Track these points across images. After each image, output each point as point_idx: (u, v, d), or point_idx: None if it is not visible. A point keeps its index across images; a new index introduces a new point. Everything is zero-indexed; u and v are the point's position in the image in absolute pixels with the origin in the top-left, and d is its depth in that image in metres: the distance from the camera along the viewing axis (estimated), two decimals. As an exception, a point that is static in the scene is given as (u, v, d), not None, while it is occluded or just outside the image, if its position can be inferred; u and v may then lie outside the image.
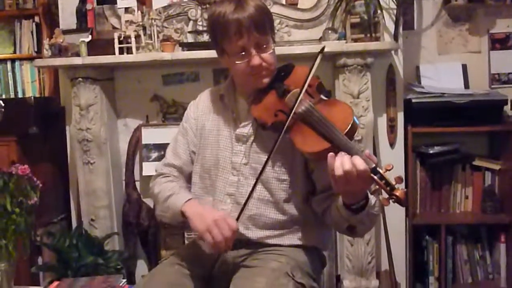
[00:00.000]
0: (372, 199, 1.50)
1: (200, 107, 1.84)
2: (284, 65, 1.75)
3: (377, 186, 1.38)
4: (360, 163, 1.36)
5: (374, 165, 1.38)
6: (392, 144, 3.03)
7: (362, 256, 2.87)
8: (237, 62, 1.63)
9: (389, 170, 1.38)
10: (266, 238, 1.69)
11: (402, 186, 1.38)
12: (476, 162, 3.14)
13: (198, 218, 1.59)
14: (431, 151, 3.07)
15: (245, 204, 1.60)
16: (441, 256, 3.06)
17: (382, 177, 1.37)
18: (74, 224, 3.23)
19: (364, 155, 1.39)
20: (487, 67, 3.28)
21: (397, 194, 1.35)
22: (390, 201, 1.37)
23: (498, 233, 3.08)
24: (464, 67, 3.23)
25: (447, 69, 3.22)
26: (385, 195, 1.38)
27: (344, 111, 1.55)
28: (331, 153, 1.40)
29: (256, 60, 1.62)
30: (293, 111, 1.56)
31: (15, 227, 2.43)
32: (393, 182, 1.36)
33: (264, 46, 1.63)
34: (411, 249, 3.07)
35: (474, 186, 3.15)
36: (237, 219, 1.60)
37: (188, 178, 1.84)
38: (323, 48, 1.65)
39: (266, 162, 1.59)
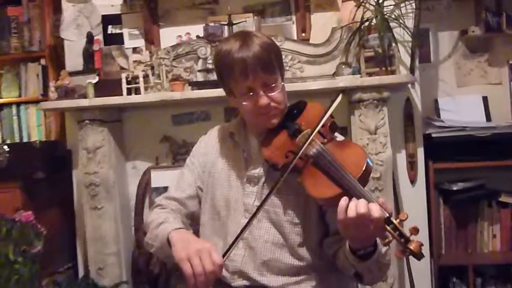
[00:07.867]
0: (383, 248, 1.44)
1: (210, 144, 1.80)
2: (296, 103, 1.70)
3: (391, 238, 1.32)
4: (375, 210, 1.31)
5: (387, 215, 1.33)
6: (413, 181, 2.95)
7: (386, 301, 2.76)
8: (244, 103, 1.60)
9: (404, 220, 1.33)
10: (283, 285, 1.60)
11: (417, 237, 1.32)
12: (503, 198, 3.05)
13: (181, 244, 1.50)
14: (454, 188, 3.00)
15: (234, 241, 1.52)
16: (470, 299, 2.95)
17: (396, 228, 1.32)
18: (81, 273, 3.19)
19: (378, 203, 1.33)
20: (509, 99, 3.23)
21: (411, 247, 1.30)
22: (405, 253, 1.32)
23: (529, 273, 2.97)
24: (485, 99, 3.19)
25: (467, 101, 3.19)
26: (399, 247, 1.32)
27: (357, 154, 1.49)
28: (345, 196, 1.36)
29: (263, 100, 1.57)
30: (298, 154, 1.51)
31: (19, 277, 2.34)
32: (408, 234, 1.31)
33: (273, 85, 1.59)
34: (438, 292, 2.97)
35: (502, 224, 3.05)
36: (224, 255, 1.50)
37: (190, 215, 1.77)
38: (341, 93, 1.60)
39: (265, 199, 1.53)
